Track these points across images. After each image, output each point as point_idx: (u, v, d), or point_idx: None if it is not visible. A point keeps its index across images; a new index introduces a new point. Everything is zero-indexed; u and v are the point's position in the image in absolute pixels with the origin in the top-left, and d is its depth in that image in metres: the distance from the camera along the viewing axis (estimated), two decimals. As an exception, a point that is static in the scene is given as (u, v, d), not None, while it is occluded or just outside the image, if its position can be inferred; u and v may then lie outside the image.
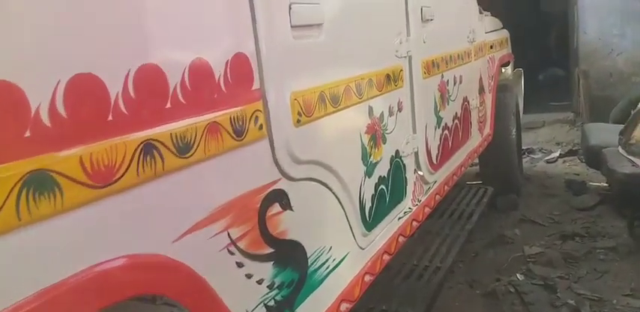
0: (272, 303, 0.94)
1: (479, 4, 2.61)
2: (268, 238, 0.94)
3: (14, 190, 0.52)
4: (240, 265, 0.86)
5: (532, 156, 4.43)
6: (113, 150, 0.62)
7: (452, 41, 2.14)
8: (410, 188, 1.67)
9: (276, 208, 0.96)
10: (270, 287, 0.94)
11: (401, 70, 1.55)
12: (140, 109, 0.66)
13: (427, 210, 1.83)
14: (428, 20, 1.76)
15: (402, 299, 1.66)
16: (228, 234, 0.83)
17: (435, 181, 1.92)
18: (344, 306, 1.19)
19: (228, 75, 0.83)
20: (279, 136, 0.96)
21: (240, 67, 0.87)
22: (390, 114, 1.49)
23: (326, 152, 1.15)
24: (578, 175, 3.79)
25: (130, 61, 0.66)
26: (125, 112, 0.64)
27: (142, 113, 0.67)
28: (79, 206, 0.59)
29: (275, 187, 0.96)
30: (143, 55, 0.68)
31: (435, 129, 1.90)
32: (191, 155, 0.74)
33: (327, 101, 1.12)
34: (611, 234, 2.74)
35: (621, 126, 2.89)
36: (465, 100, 2.32)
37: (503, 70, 3.33)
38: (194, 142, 0.74)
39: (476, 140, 2.56)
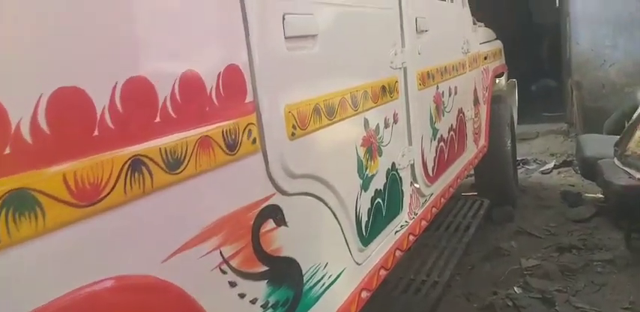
0: (266, 323, 0.91)
1: (472, 15, 2.62)
2: (262, 255, 0.91)
3: (-7, 211, 0.49)
4: (232, 284, 0.83)
5: (527, 167, 4.42)
6: (99, 167, 0.59)
7: (447, 52, 2.14)
8: (406, 201, 1.64)
9: (270, 224, 0.93)
10: (265, 306, 0.91)
11: (396, 82, 1.54)
12: (128, 123, 0.64)
13: (424, 223, 1.80)
14: (423, 31, 1.75)
15: (399, 315, 1.63)
16: (221, 252, 0.80)
17: (432, 194, 1.90)
18: (340, 324, 1.16)
19: (220, 87, 0.80)
20: (273, 150, 0.93)
21: (233, 79, 0.84)
22: (386, 126, 1.47)
23: (321, 166, 1.13)
24: (573, 186, 3.78)
25: (117, 73, 0.63)
26: (112, 126, 0.62)
27: (130, 128, 0.64)
28: (62, 227, 0.56)
29: (269, 202, 0.93)
30: (131, 66, 0.65)
31: (431, 141, 1.89)
32: (181, 171, 0.71)
33: (322, 114, 1.10)
34: (608, 246, 2.72)
35: (616, 137, 2.89)
36: (460, 111, 2.31)
37: (497, 81, 3.34)
38: (185, 158, 0.71)
39: (471, 152, 2.55)
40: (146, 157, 0.65)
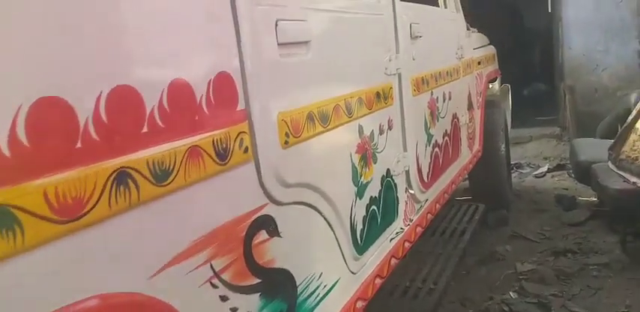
0: (259, 338, 0.88)
1: (466, 20, 2.61)
2: (254, 267, 0.88)
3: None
4: (224, 298, 0.80)
5: (520, 171, 4.43)
6: (82, 180, 0.56)
7: (441, 58, 2.13)
8: (401, 208, 1.62)
9: (262, 235, 0.91)
10: (257, 320, 0.88)
11: (391, 88, 1.52)
12: (113, 134, 0.61)
13: (419, 230, 1.78)
14: (417, 37, 1.74)
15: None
16: (211, 266, 0.77)
17: (427, 200, 1.88)
18: (336, 336, 1.13)
19: (211, 95, 0.78)
20: (265, 159, 0.91)
21: (224, 87, 0.82)
22: (381, 132, 1.45)
23: (315, 174, 1.10)
24: (567, 189, 3.78)
25: (101, 81, 0.61)
26: (96, 138, 0.59)
27: (115, 139, 0.61)
28: (42, 244, 0.53)
29: (261, 212, 0.91)
30: (116, 75, 0.63)
31: (426, 147, 1.87)
32: (170, 183, 0.68)
33: (316, 121, 1.08)
34: (603, 250, 2.72)
35: (609, 141, 2.89)
36: (455, 116, 2.30)
37: (490, 86, 3.34)
38: (173, 169, 0.69)
39: (466, 157, 2.54)
40: (132, 169, 0.63)
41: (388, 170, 1.51)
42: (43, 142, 0.54)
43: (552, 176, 4.22)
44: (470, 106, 2.60)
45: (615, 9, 4.56)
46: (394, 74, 1.55)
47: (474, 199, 3.09)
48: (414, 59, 1.70)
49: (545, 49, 5.98)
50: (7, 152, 0.50)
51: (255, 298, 0.88)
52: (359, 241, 1.30)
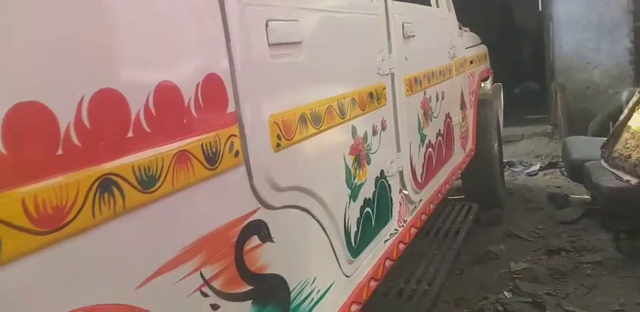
0: (252, 346, 0.86)
1: (458, 19, 2.60)
2: (246, 274, 0.86)
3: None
4: (215, 307, 0.78)
5: (513, 169, 4.44)
6: (63, 189, 0.54)
7: (433, 57, 2.12)
8: (395, 209, 1.61)
9: (254, 240, 0.88)
10: (250, 328, 0.86)
11: (384, 88, 1.50)
12: (96, 140, 0.58)
13: (413, 230, 1.77)
14: (409, 36, 1.72)
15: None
16: (201, 274, 0.75)
17: (421, 200, 1.87)
18: (330, 341, 1.11)
19: (200, 98, 0.76)
20: (257, 162, 0.88)
21: (213, 89, 0.79)
22: (374, 133, 1.43)
23: (308, 177, 1.08)
24: (559, 187, 3.79)
25: (83, 85, 0.58)
26: (78, 144, 0.56)
27: (99, 145, 0.59)
28: (22, 257, 0.51)
29: (253, 217, 0.88)
30: (99, 78, 0.60)
31: (419, 147, 1.86)
32: (157, 189, 0.66)
33: (308, 122, 1.06)
34: (596, 248, 2.72)
35: (602, 139, 2.90)
36: (448, 116, 2.29)
37: (482, 85, 3.33)
38: (160, 175, 0.66)
39: (459, 156, 2.53)
40: (117, 175, 0.60)
41: (382, 171, 1.49)
42: (21, 149, 0.51)
43: (544, 174, 4.23)
44: (463, 106, 2.59)
45: (606, 7, 4.58)
46: (387, 74, 1.53)
47: (467, 198, 3.08)
48: (406, 59, 1.68)
49: (536, 48, 6.00)
50: (-18, 161, 0.48)
51: (247, 306, 0.86)
52: (353, 244, 1.28)
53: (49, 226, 0.52)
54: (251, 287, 0.87)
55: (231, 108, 0.84)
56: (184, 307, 0.72)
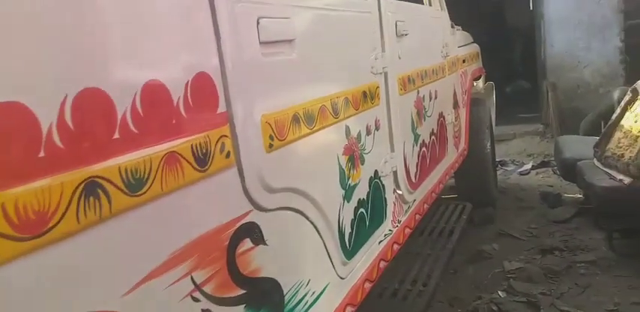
0: (245, 351, 0.84)
1: (450, 18, 2.59)
2: (239, 278, 0.84)
3: None
4: (207, 312, 0.76)
5: (505, 168, 4.44)
6: (46, 193, 0.51)
7: (426, 56, 2.11)
8: (390, 209, 1.59)
9: (247, 243, 0.86)
10: (243, 333, 0.84)
11: (377, 87, 1.48)
12: (80, 141, 0.56)
13: (408, 231, 1.75)
14: (402, 35, 1.71)
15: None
16: (192, 279, 0.73)
17: (415, 200, 1.86)
18: (325, 344, 1.10)
19: (189, 98, 0.73)
20: (249, 164, 0.86)
21: (203, 89, 0.77)
22: (368, 133, 1.41)
23: (301, 178, 1.06)
24: (551, 186, 3.80)
25: (66, 84, 0.55)
26: (61, 146, 0.54)
27: (83, 146, 0.56)
28: (2, 264, 0.48)
29: (245, 220, 0.86)
30: (83, 77, 0.58)
31: (413, 146, 1.84)
32: (145, 192, 0.63)
33: (301, 122, 1.04)
34: (590, 247, 2.72)
35: (594, 138, 2.90)
36: (441, 115, 2.28)
37: (475, 84, 3.33)
38: (148, 177, 0.64)
39: (452, 156, 2.52)
40: (103, 178, 0.58)
41: (376, 171, 1.48)
42: (0, 152, 0.48)
43: (537, 173, 4.24)
44: (455, 105, 2.58)
45: (596, 6, 4.61)
46: (380, 73, 1.52)
47: (460, 197, 3.08)
48: (399, 58, 1.67)
49: (527, 47, 6.02)
50: (-42, 164, 0.45)
51: (240, 310, 0.84)
52: (347, 246, 1.26)
53: (31, 231, 0.50)
54: (244, 291, 0.85)
55: (221, 108, 0.81)
56: (174, 313, 0.70)
